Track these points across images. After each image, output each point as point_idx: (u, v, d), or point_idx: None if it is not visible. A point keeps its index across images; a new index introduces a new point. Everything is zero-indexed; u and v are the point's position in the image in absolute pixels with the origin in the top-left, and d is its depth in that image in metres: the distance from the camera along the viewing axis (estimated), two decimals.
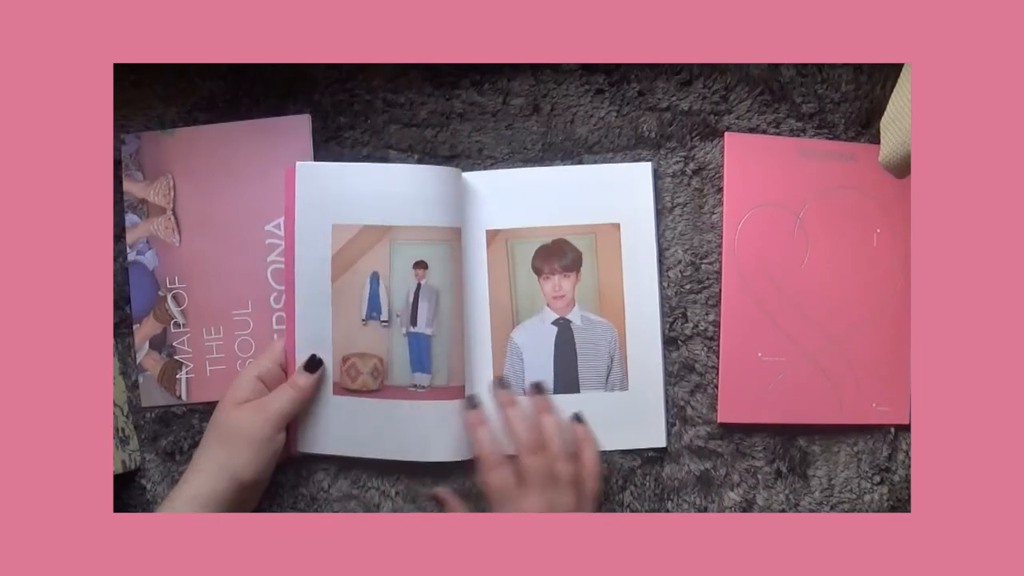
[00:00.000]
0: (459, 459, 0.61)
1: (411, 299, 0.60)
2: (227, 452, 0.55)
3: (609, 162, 0.63)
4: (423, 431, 0.60)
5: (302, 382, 0.58)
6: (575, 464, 0.57)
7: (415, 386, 0.60)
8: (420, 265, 0.60)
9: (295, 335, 0.60)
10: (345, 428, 0.60)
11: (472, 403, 0.60)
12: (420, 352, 0.60)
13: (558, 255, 0.62)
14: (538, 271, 0.62)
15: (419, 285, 0.60)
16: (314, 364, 0.59)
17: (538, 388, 0.61)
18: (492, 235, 0.62)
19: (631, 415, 0.62)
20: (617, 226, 0.62)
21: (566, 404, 0.61)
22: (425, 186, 0.60)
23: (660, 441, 0.62)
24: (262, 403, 0.57)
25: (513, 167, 0.63)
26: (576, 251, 0.62)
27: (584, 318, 0.62)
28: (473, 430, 0.59)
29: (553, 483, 0.55)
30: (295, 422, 0.60)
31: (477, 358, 0.62)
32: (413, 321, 0.60)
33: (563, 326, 0.62)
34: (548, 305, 0.62)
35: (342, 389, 0.60)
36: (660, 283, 0.62)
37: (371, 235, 0.60)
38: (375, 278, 0.60)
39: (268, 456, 0.56)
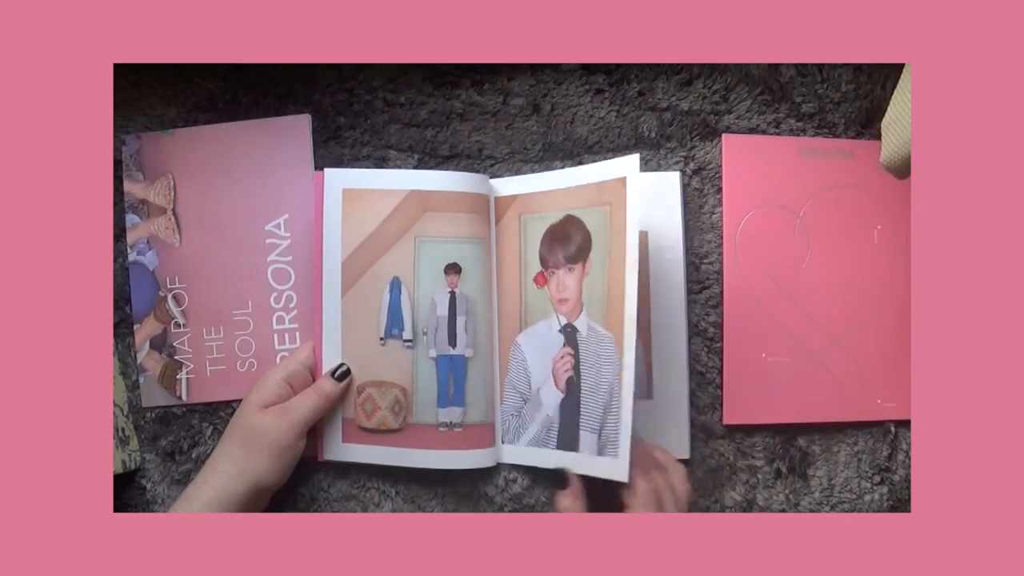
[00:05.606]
0: (493, 464, 0.56)
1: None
2: (249, 456, 0.55)
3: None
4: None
5: (328, 388, 0.57)
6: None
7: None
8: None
9: (323, 341, 0.58)
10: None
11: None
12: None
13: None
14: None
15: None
16: (343, 375, 0.58)
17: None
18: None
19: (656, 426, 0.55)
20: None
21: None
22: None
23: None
24: (286, 408, 0.56)
25: (514, 167, 0.63)
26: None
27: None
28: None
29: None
30: (322, 433, 0.59)
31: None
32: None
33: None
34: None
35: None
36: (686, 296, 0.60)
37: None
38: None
39: (289, 462, 0.56)
